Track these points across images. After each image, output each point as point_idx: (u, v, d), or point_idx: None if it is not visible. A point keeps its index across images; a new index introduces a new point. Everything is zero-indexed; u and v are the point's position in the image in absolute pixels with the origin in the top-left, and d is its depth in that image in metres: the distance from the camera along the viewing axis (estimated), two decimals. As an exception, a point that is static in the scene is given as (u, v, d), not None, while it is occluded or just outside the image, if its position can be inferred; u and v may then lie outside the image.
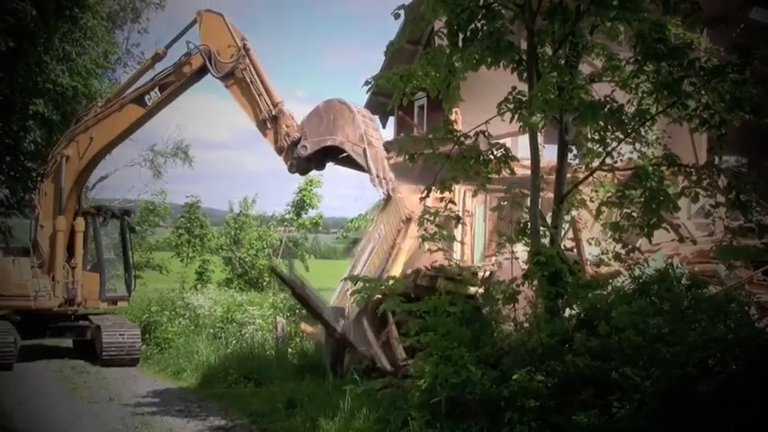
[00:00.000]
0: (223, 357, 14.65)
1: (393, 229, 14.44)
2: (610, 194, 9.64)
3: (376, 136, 12.35)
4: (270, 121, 13.20)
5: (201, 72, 14.14)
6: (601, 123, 8.73)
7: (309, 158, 12.80)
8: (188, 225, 31.39)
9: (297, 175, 13.36)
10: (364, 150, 11.90)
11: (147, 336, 17.32)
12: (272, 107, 13.23)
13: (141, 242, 30.38)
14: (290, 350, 14.30)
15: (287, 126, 13.03)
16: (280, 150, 13.05)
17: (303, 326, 15.35)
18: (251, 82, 13.40)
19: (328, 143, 12.46)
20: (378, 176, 11.97)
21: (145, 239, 31.39)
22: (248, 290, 26.80)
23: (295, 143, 12.74)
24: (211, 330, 17.22)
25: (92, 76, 22.20)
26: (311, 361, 12.97)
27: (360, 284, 10.29)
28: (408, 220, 13.83)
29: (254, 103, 13.36)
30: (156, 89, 14.57)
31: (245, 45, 13.54)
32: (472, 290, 10.49)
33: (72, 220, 15.87)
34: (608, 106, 8.41)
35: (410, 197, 14.58)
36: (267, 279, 29.33)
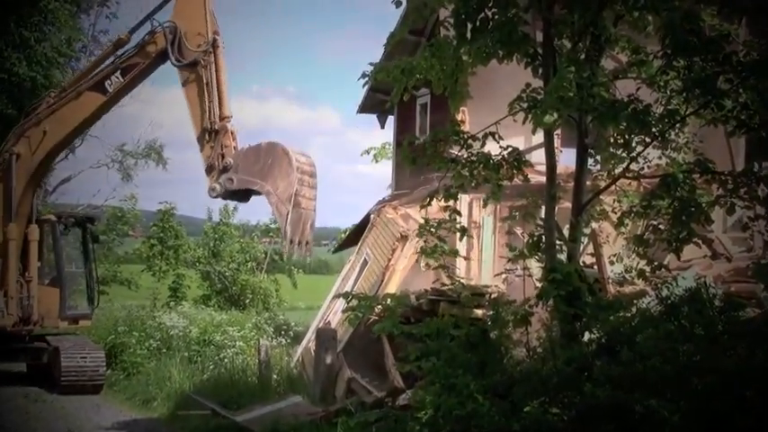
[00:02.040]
0: (199, 384, 14.66)
1: (385, 249, 14.54)
2: (634, 205, 9.66)
3: (309, 195, 12.65)
4: (210, 134, 13.21)
5: (167, 53, 13.97)
6: (623, 125, 8.75)
7: (234, 191, 13.08)
8: (161, 235, 31.50)
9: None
10: (288, 212, 12.19)
11: (112, 359, 17.31)
12: (217, 119, 13.21)
13: (108, 253, 30.40)
14: (274, 377, 14.30)
15: (225, 146, 13.09)
16: (209, 169, 13.16)
17: None
18: (206, 84, 13.32)
19: (254, 188, 12.82)
20: (291, 241, 12.32)
21: (112, 250, 31.43)
22: (228, 308, 26.87)
23: (226, 168, 12.92)
24: (186, 354, 17.24)
25: (53, 65, 22.23)
26: (298, 389, 12.98)
27: (354, 302, 10.30)
28: (404, 239, 13.92)
29: (203, 108, 13.30)
30: (118, 73, 14.47)
31: (215, 40, 13.42)
32: (479, 311, 10.51)
33: (25, 227, 15.79)
34: (632, 106, 8.45)
35: (404, 216, 14.69)
36: (250, 296, 29.40)
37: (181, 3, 13.86)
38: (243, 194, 13.33)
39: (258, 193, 12.87)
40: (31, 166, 15.39)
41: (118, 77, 14.49)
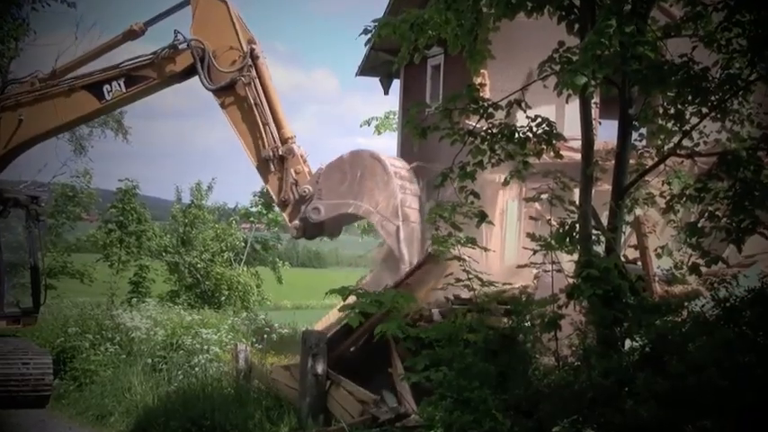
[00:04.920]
0: (164, 396, 14.71)
1: None
2: (687, 187, 9.66)
3: (414, 205, 12.53)
4: (274, 163, 13.12)
5: (187, 74, 13.86)
6: (674, 92, 8.72)
7: (322, 223, 12.92)
8: (120, 218, 31.50)
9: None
10: (397, 229, 12.09)
11: (61, 366, 17.35)
12: (279, 144, 13.12)
13: (56, 240, 30.45)
14: (254, 387, 14.34)
15: (296, 173, 13.01)
16: (283, 205, 13.14)
17: None
18: (255, 104, 13.22)
19: (349, 210, 12.72)
20: (410, 264, 12.10)
21: (61, 236, 31.46)
22: (200, 307, 26.91)
23: (304, 199, 12.80)
24: (150, 360, 17.30)
25: (-11, 12, 22.21)
26: (283, 402, 13.01)
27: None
28: None
29: (256, 134, 13.22)
30: (122, 81, 14.17)
31: (252, 50, 13.34)
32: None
33: None
34: (685, 69, 8.42)
35: None
36: (226, 293, 29.45)
37: (201, 15, 13.68)
38: (334, 224, 13.23)
39: (355, 216, 12.80)
40: None
41: (120, 86, 14.20)
